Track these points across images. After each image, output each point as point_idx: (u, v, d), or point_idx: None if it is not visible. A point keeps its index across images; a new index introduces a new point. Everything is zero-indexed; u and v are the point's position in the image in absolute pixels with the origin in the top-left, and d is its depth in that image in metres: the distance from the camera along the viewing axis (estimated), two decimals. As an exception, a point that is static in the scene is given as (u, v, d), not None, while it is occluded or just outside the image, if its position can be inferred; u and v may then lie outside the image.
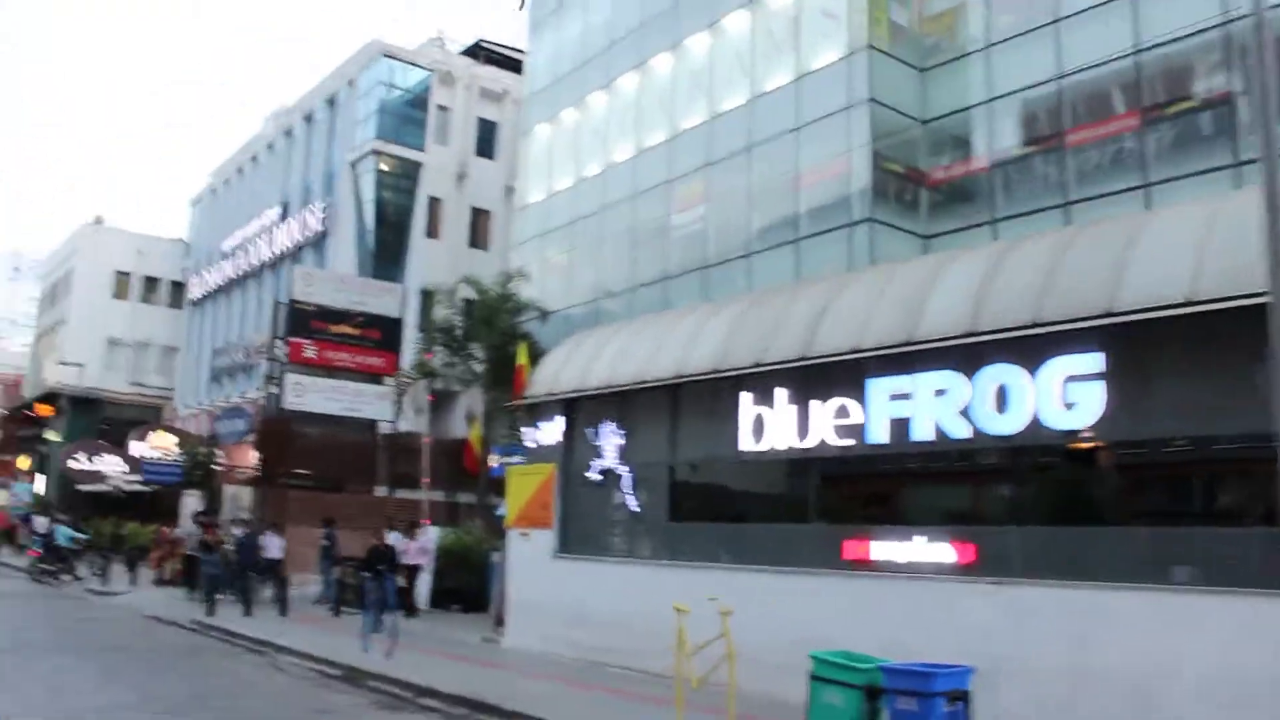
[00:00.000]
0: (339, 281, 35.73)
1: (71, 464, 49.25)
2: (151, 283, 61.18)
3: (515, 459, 21.70)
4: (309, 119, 46.81)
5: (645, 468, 16.92)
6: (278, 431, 33.11)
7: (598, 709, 12.44)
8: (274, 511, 31.92)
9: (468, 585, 24.95)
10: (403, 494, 34.55)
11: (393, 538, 25.13)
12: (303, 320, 33.92)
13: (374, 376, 35.51)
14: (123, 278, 60.29)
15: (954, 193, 24.42)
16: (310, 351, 33.99)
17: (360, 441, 35.14)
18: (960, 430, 12.01)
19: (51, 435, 58.27)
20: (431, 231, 41.00)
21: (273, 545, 24.49)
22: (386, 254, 39.90)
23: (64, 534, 31.34)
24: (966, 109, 24.13)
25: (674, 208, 28.53)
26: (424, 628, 20.60)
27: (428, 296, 37.50)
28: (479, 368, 29.00)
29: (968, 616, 11.34)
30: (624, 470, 17.20)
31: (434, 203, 41.20)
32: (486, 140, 43.38)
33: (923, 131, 24.66)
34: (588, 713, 12.12)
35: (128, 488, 45.13)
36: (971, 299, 12.06)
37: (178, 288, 60.95)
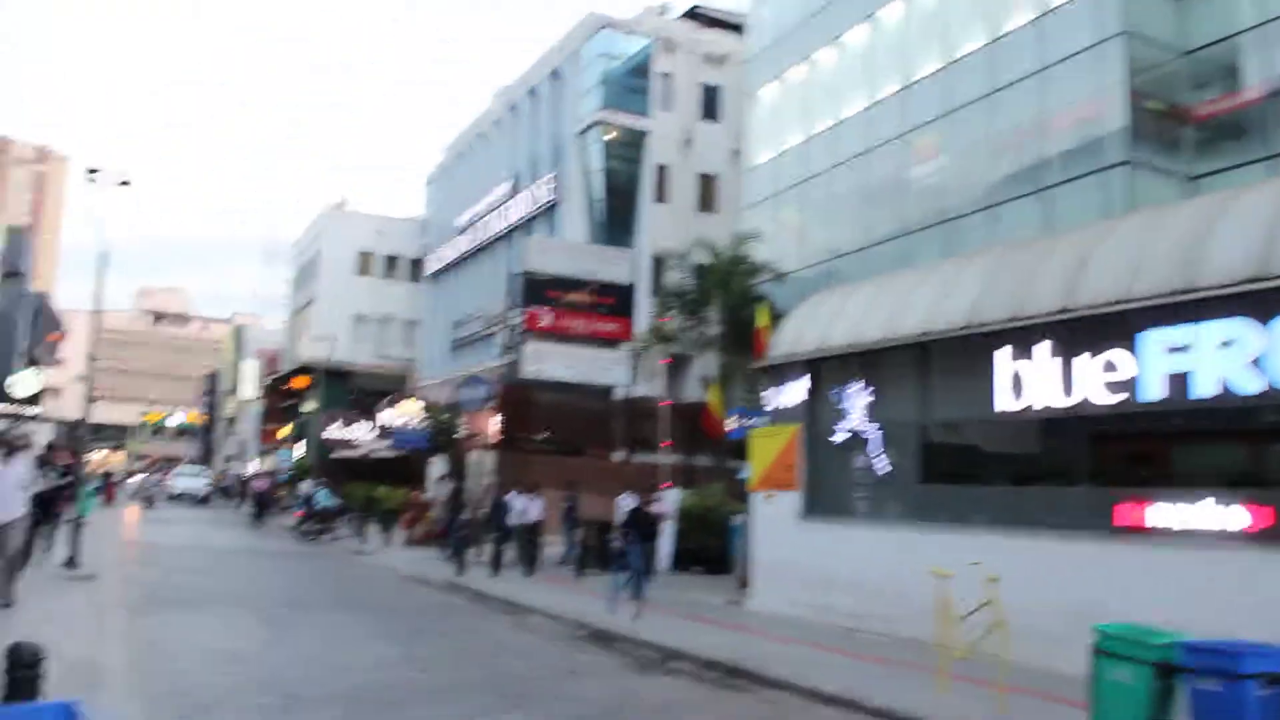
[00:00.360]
0: (572, 250, 36.30)
1: (327, 432, 52.16)
2: (392, 260, 63.90)
3: (755, 421, 21.46)
4: (533, 94, 47.63)
5: (894, 428, 16.42)
6: (518, 398, 34.01)
7: (855, 675, 12.08)
8: (516, 475, 32.83)
9: (709, 547, 24.98)
10: (640, 458, 34.98)
11: (630, 500, 25.48)
12: (538, 289, 34.66)
13: (609, 342, 36.00)
14: (365, 257, 63.22)
15: (1222, 128, 22.65)
16: (546, 320, 34.71)
17: (597, 407, 35.74)
18: (1251, 384, 11.02)
19: (308, 405, 61.81)
20: (659, 198, 41.08)
21: (533, 508, 24.93)
22: (616, 222, 40.25)
23: (323, 497, 33.19)
24: (1235, 35, 22.27)
25: (910, 161, 27.60)
26: (666, 590, 20.64)
27: (659, 262, 37.72)
28: (714, 331, 28.90)
29: (1271, 589, 10.40)
30: (871, 431, 16.75)
31: (661, 169, 41.25)
32: (710, 104, 43.10)
33: (1184, 63, 22.92)
34: (846, 679, 11.77)
35: (378, 454, 47.37)
36: (1263, 239, 11.04)
37: (416, 264, 63.38)
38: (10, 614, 12.55)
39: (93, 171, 18.63)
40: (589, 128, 41.12)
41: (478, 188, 53.25)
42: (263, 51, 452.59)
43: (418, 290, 62.59)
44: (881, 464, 16.61)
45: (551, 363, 34.48)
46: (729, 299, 27.81)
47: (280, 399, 70.11)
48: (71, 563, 18.45)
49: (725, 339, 28.37)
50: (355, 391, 56.55)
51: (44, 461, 18.55)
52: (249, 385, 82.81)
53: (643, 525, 18.73)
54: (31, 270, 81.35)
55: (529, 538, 24.57)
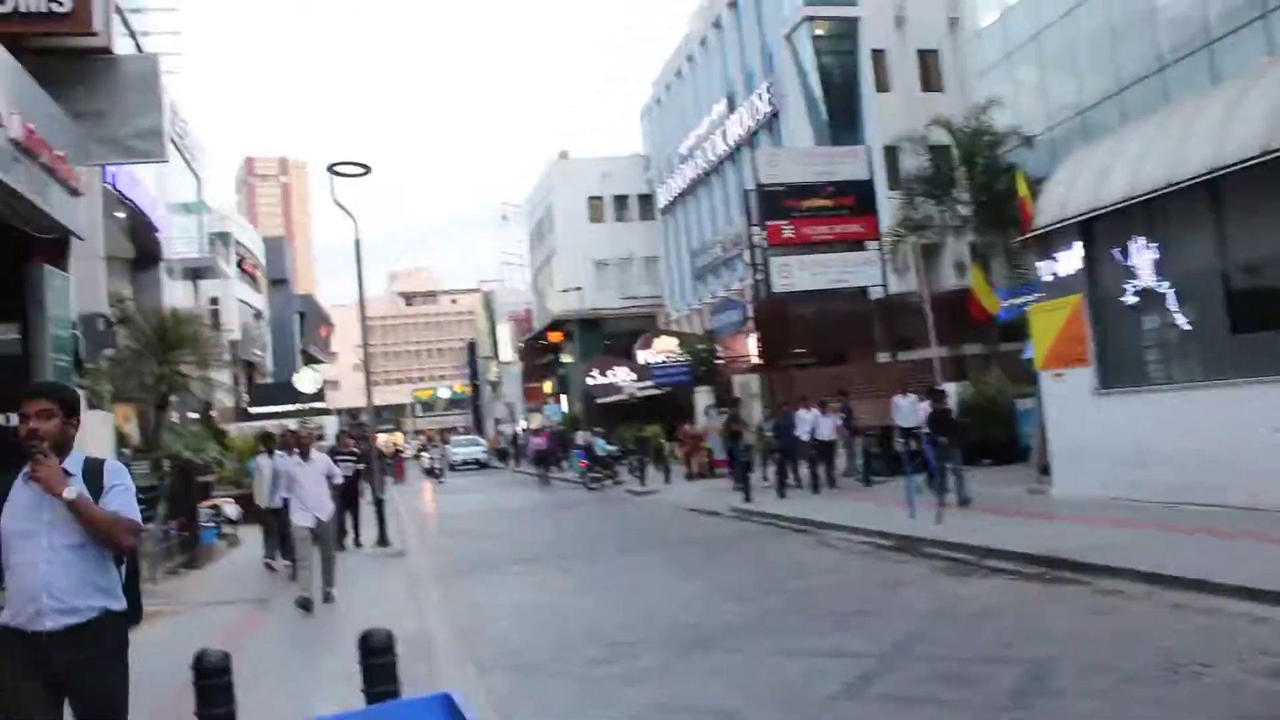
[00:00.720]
0: (802, 156, 35.27)
1: (588, 381, 53.12)
2: (621, 201, 64.10)
3: (1031, 298, 20.12)
4: (733, 4, 46.39)
5: (1190, 280, 14.99)
6: (774, 315, 33.44)
7: (1195, 553, 11.03)
8: (784, 393, 32.41)
9: (994, 438, 23.83)
10: (905, 356, 33.85)
11: (906, 402, 24.61)
12: (775, 202, 33.87)
13: (854, 243, 34.90)
14: (595, 202, 63.65)
15: None
16: (788, 231, 33.91)
17: (853, 310, 34.78)
18: None
19: (565, 358, 63.21)
20: (881, 85, 39.29)
21: (824, 425, 23.98)
22: (840, 120, 38.81)
23: (600, 445, 33.65)
24: None
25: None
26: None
27: (892, 153, 36.18)
28: (964, 212, 27.39)
29: None
30: (1164, 287, 15.33)
31: (877, 55, 39.39)
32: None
33: None
34: (1186, 558, 10.76)
35: (640, 394, 47.90)
36: None
37: (645, 200, 63.43)
38: (337, 599, 13.04)
39: (334, 167, 19.01)
40: (796, 27, 39.67)
41: (694, 113, 52.60)
42: (451, 29, 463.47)
43: (651, 226, 62.66)
44: (1182, 320, 15.20)
45: (801, 274, 33.65)
46: (976, 175, 26.23)
47: (537, 356, 71.90)
48: (383, 540, 19.25)
49: (978, 218, 26.84)
50: (608, 337, 57.34)
51: (336, 452, 19.35)
52: (506, 349, 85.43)
53: (943, 426, 17.96)
54: (293, 274, 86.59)
55: (820, 455, 23.81)
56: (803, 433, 23.69)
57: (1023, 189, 19.82)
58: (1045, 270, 18.44)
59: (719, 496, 25.11)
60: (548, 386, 70.32)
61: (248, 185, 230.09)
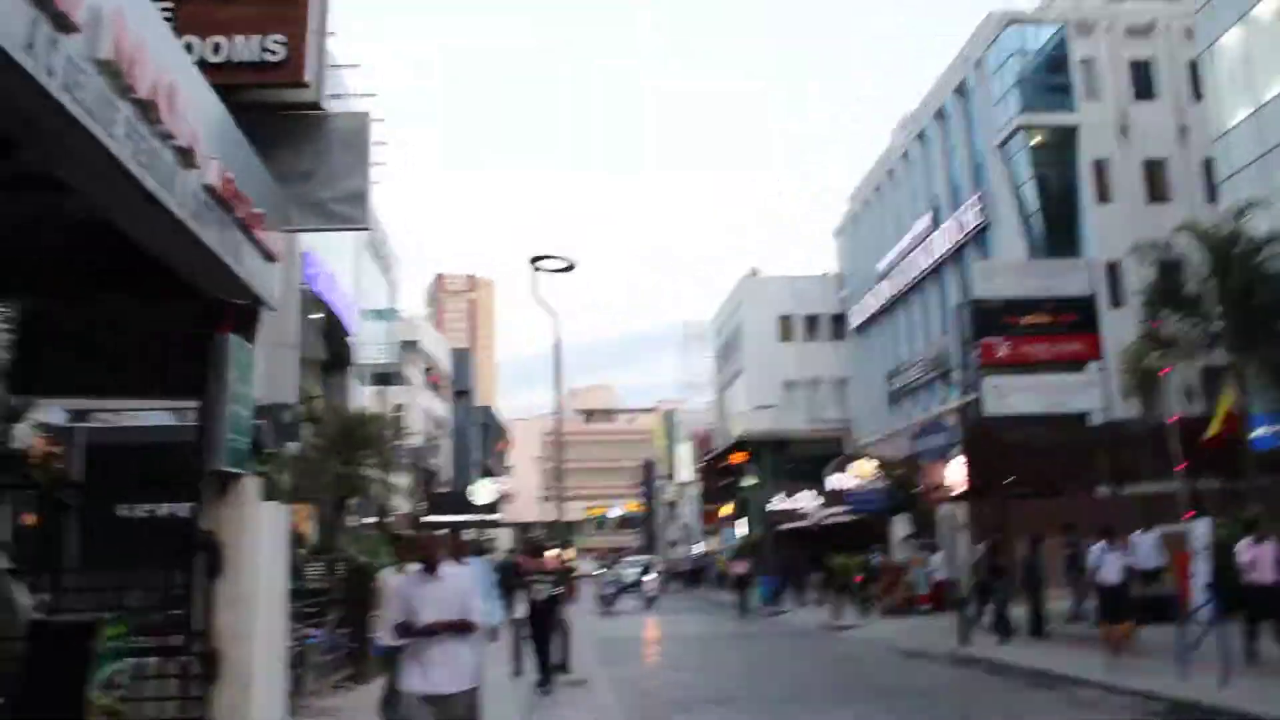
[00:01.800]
0: (1020, 270, 32.95)
1: (771, 504, 50.89)
2: (812, 320, 62.31)
3: None
4: (940, 115, 44.72)
5: None
6: (986, 439, 30.78)
7: None
8: (994, 524, 29.61)
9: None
10: (1129, 490, 30.65)
11: (1148, 540, 21.95)
12: (990, 318, 31.55)
13: (1073, 364, 32.16)
14: (785, 321, 61.98)
15: None
16: (1003, 350, 31.49)
17: (1072, 438, 31.83)
18: None
19: (747, 480, 61.04)
20: (1102, 196, 36.77)
21: (1145, 551, 21.09)
22: (1056, 233, 36.32)
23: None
24: None
25: None
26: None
27: (1113, 268, 33.51)
28: (1214, 328, 24.45)
29: None
30: None
31: (1098, 165, 36.95)
32: (1143, 82, 38.30)
33: None
34: None
35: (833, 519, 45.37)
36: None
37: (837, 320, 61.47)
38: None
39: (536, 262, 17.82)
40: (1010, 136, 37.62)
41: (893, 229, 50.77)
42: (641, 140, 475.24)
43: (842, 348, 60.57)
44: None
45: (1016, 395, 31.03)
46: (1229, 286, 23.41)
47: (718, 478, 70.01)
48: (564, 668, 17.38)
49: (1232, 334, 23.88)
50: (794, 460, 54.92)
51: (517, 571, 17.66)
52: (684, 468, 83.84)
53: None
54: (476, 387, 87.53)
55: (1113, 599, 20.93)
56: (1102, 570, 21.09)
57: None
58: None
59: (925, 636, 22.61)
60: (727, 509, 68.19)
61: (437, 301, 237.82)
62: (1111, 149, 37.13)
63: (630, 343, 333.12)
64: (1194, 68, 37.92)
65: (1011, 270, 32.81)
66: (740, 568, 37.96)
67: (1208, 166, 37.56)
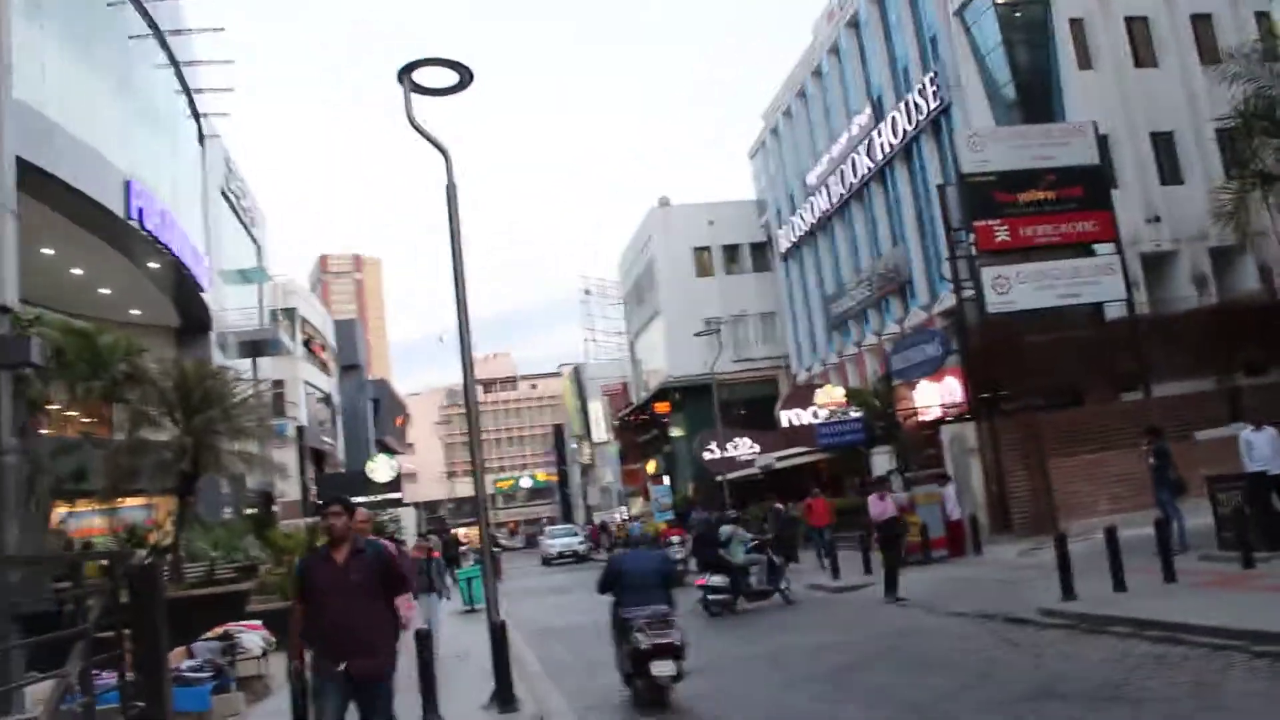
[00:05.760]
0: (1014, 137, 27.31)
1: (705, 456, 45.21)
2: (731, 251, 56.54)
3: None
4: (880, -7, 39.08)
5: None
6: (995, 343, 25.42)
7: None
8: (1015, 445, 24.34)
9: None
10: (1165, 390, 25.68)
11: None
12: (982, 196, 26.01)
13: (1084, 247, 26.90)
14: (702, 253, 56.16)
15: None
16: (1002, 234, 25.99)
17: (1090, 334, 26.74)
18: None
19: (675, 431, 55.32)
20: (1082, 62, 31.53)
21: (1263, 451, 16.04)
22: (1032, 105, 30.82)
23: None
24: None
25: None
26: None
27: (1103, 142, 28.29)
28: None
29: None
30: None
31: (1076, 25, 31.68)
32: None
33: None
34: None
35: (781, 465, 39.92)
36: None
37: (758, 249, 55.91)
38: None
39: (409, 75, 11.38)
40: (973, -1, 32.16)
41: (824, 136, 45.14)
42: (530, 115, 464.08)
43: (767, 279, 55.01)
44: None
45: (1021, 288, 25.50)
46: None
47: (638, 433, 64.26)
48: (505, 699, 10.88)
49: None
50: (720, 406, 48.99)
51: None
52: (600, 428, 77.87)
53: None
54: (366, 361, 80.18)
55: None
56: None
57: None
58: None
59: (981, 591, 17.09)
60: (651, 466, 62.40)
61: (322, 284, 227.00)
62: (1090, 6, 31.89)
63: (529, 314, 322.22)
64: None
65: (1006, 137, 27.18)
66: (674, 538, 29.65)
67: (1196, 24, 32.82)
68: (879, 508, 18.88)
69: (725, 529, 20.65)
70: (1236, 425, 23.48)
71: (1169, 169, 31.78)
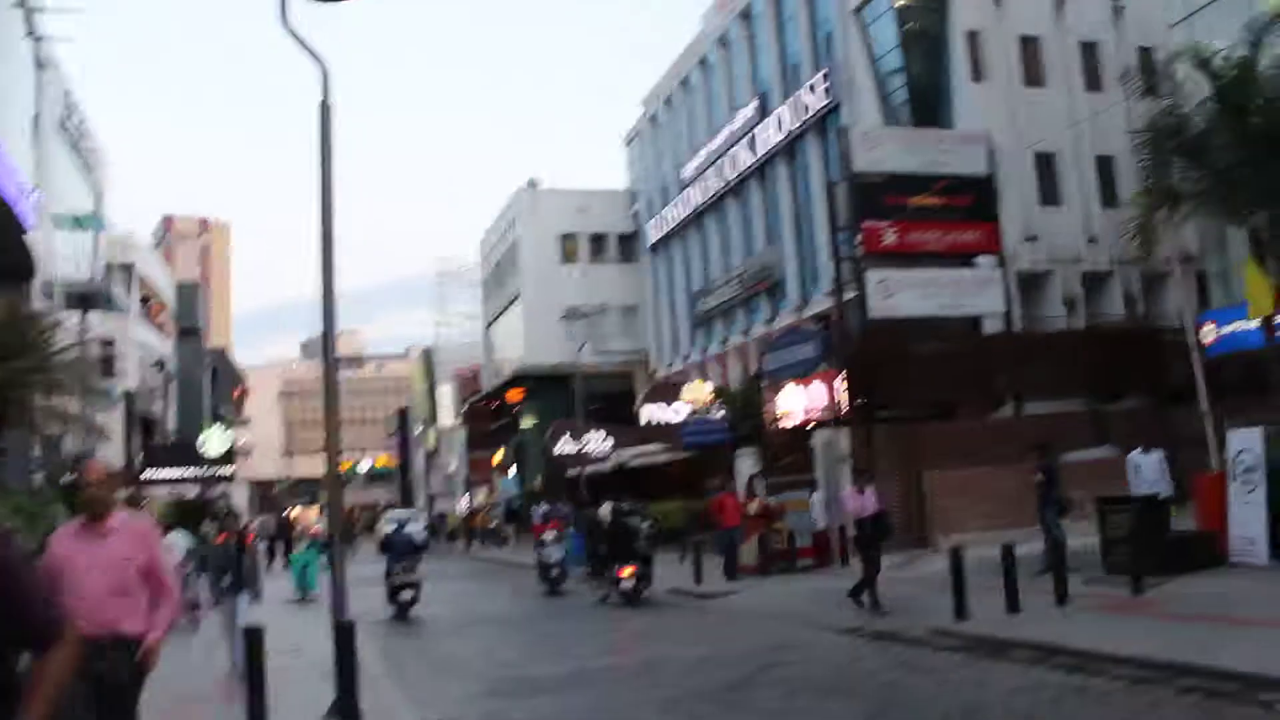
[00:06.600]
0: (908, 139, 26.69)
1: (557, 448, 43.70)
2: (598, 240, 55.14)
3: None
4: (775, -15, 38.18)
5: None
6: (875, 349, 24.60)
7: None
8: (891, 456, 23.53)
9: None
10: (1036, 409, 25.39)
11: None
12: (872, 196, 25.21)
13: (966, 258, 26.39)
14: (568, 240, 54.60)
15: None
16: (890, 236, 25.24)
17: (969, 347, 26.22)
18: None
19: (526, 421, 53.60)
20: (976, 74, 31.15)
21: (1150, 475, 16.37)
22: (924, 112, 30.27)
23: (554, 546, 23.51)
24: None
25: None
26: None
27: (991, 156, 27.84)
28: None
29: None
30: None
31: (972, 37, 31.26)
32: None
33: None
34: None
35: (637, 463, 38.67)
36: None
37: (625, 241, 54.68)
38: None
39: None
40: (872, -3, 31.48)
41: (704, 128, 44.11)
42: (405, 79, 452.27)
43: (631, 271, 53.81)
44: None
45: (906, 294, 24.82)
46: (1243, 127, 17.59)
47: (488, 421, 62.12)
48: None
49: (1228, 187, 18.05)
50: (590, 399, 47.53)
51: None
52: (448, 413, 75.48)
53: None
54: (206, 330, 76.20)
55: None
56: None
57: None
58: None
59: (829, 604, 16.19)
60: (499, 456, 60.51)
61: (165, 247, 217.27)
62: (986, 19, 31.55)
63: (380, 294, 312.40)
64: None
65: (900, 138, 26.51)
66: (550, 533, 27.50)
67: (1086, 50, 32.90)
68: (857, 502, 16.17)
69: (635, 520, 20.69)
70: (1106, 448, 23.43)
71: (1048, 190, 31.67)
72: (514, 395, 55.04)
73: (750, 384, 31.94)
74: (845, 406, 24.87)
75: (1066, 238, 30.60)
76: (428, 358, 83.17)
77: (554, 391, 49.16)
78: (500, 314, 60.55)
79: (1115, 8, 32.99)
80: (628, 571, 19.44)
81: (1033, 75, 32.20)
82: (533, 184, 56.60)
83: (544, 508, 32.79)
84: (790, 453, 27.85)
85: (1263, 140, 17.28)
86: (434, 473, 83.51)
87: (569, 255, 54.43)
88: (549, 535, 23.88)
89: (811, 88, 34.46)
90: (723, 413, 30.36)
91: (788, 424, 28.71)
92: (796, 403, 28.45)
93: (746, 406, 30.57)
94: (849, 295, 25.22)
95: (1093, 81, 32.43)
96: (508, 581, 28.29)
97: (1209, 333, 20.74)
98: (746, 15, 40.18)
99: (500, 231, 59.46)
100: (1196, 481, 16.80)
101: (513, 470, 56.37)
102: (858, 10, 32.12)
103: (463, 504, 67.69)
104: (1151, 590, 13.90)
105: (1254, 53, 17.73)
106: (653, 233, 50.07)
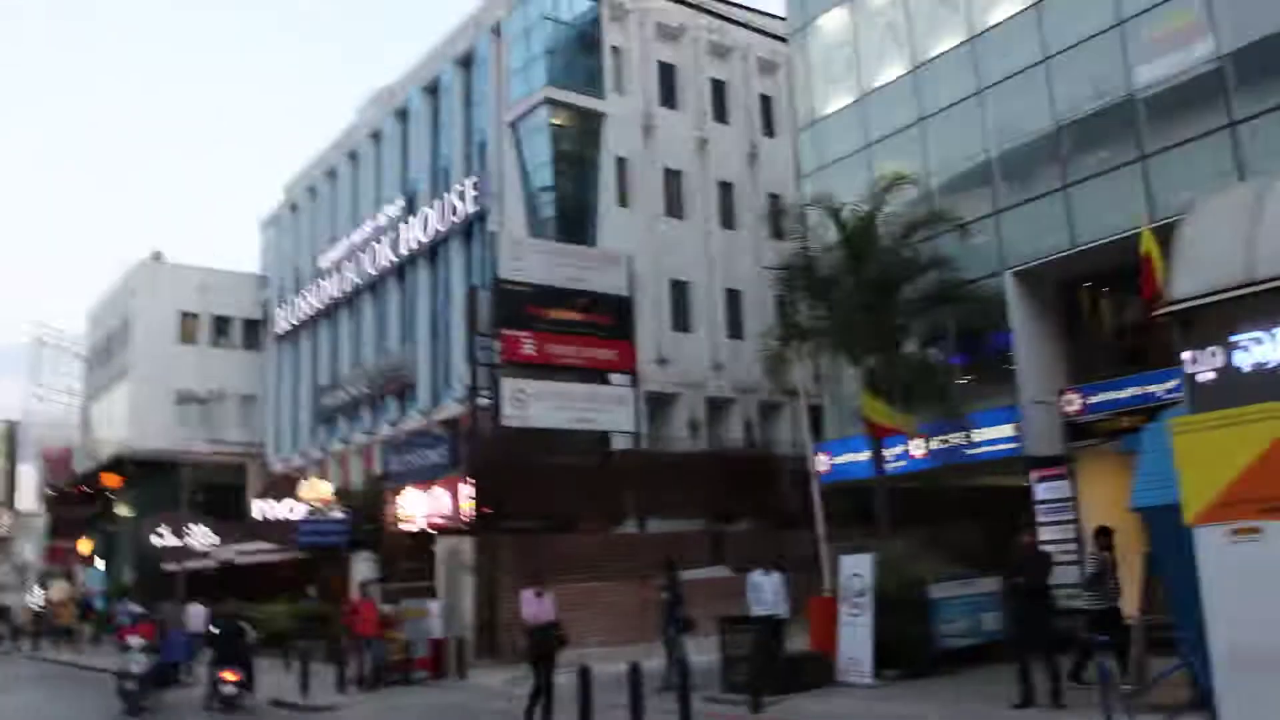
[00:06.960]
0: (553, 253, 27.02)
1: (155, 540, 40.30)
2: (222, 323, 52.21)
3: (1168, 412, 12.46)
4: (432, 90, 38.10)
5: None
6: (501, 457, 24.33)
7: None
8: (515, 566, 23.17)
9: (909, 637, 16.16)
10: (657, 527, 26.00)
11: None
12: (515, 305, 25.27)
13: (600, 375, 26.88)
14: (189, 319, 51.36)
15: None
16: (529, 346, 25.30)
17: (597, 462, 26.54)
18: None
19: (123, 509, 49.23)
20: (622, 200, 32.33)
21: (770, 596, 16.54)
22: (569, 230, 31.05)
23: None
24: None
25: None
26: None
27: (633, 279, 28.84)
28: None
29: None
30: None
31: (621, 163, 32.52)
32: (668, 89, 34.72)
33: None
34: None
35: (240, 560, 36.12)
36: None
37: (251, 326, 52.11)
38: None
39: None
40: (530, 111, 31.99)
41: (347, 220, 43.05)
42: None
43: (253, 358, 51.30)
44: None
45: (540, 405, 24.85)
46: (867, 272, 18.95)
47: (76, 507, 56.61)
48: None
49: (846, 328, 19.40)
50: (196, 489, 44.17)
51: None
52: (27, 495, 68.23)
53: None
54: None
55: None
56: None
57: (1150, 246, 12.73)
58: (1199, 365, 11.36)
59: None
60: (86, 546, 54.96)
61: None
62: (635, 148, 32.92)
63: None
64: (715, 85, 35.58)
65: (544, 251, 26.81)
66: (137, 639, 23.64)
67: (724, 189, 35.04)
68: (535, 607, 14.60)
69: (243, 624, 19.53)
70: (721, 567, 24.25)
71: (680, 316, 33.07)
72: (111, 480, 50.48)
73: (373, 485, 30.83)
74: (470, 514, 24.39)
75: (694, 363, 32.02)
76: (10, 433, 75.07)
77: (158, 479, 45.55)
78: (103, 390, 55.73)
79: (750, 154, 35.40)
80: (230, 676, 17.74)
81: (674, 206, 33.80)
82: (157, 256, 53.01)
83: (135, 609, 29.51)
84: (412, 558, 26.94)
85: (877, 288, 18.81)
86: (3, 562, 74.87)
87: (188, 335, 51.12)
88: (135, 641, 20.96)
89: (461, 193, 34.42)
90: (343, 515, 28.99)
91: (409, 528, 27.86)
92: (419, 507, 27.69)
93: (368, 508, 29.42)
94: (484, 402, 24.93)
95: (727, 219, 34.55)
96: (85, 692, 24.81)
97: (823, 462, 21.98)
98: (403, 114, 39.86)
99: (115, 303, 55.07)
100: (810, 603, 17.59)
101: (101, 563, 51.41)
102: (513, 124, 32.59)
103: (37, 597, 60.84)
104: (771, 708, 14.23)
105: (876, 208, 19.35)
106: (281, 321, 48.05)
